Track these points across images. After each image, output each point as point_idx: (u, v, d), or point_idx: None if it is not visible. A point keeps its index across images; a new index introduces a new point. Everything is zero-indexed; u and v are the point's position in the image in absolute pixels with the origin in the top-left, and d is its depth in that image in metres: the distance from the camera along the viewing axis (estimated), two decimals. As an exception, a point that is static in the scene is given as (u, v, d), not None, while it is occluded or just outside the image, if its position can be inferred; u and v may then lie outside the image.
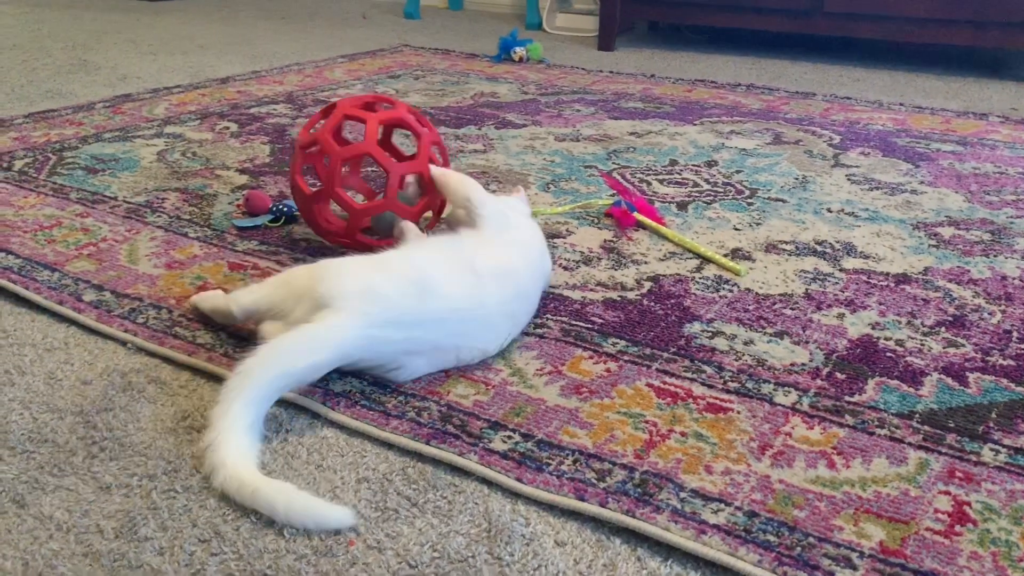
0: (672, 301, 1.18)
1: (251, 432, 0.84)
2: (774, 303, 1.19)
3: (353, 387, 0.96)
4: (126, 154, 1.77)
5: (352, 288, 0.92)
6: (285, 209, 1.41)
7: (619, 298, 1.19)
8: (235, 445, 0.81)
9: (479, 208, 1.12)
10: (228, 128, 1.98)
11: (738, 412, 0.94)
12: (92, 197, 1.53)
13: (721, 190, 1.64)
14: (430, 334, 0.96)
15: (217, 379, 0.98)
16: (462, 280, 0.98)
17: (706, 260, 1.32)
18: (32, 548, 0.74)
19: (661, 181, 1.69)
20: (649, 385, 0.98)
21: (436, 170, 1.19)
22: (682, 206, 1.55)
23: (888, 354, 1.06)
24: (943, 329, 1.12)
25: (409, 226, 1.15)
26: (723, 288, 1.23)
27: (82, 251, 1.30)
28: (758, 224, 1.47)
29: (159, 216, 1.45)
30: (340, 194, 1.19)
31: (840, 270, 1.29)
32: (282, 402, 0.93)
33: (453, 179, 1.17)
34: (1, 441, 0.88)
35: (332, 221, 1.25)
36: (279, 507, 0.76)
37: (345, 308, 0.90)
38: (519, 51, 2.84)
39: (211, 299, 1.08)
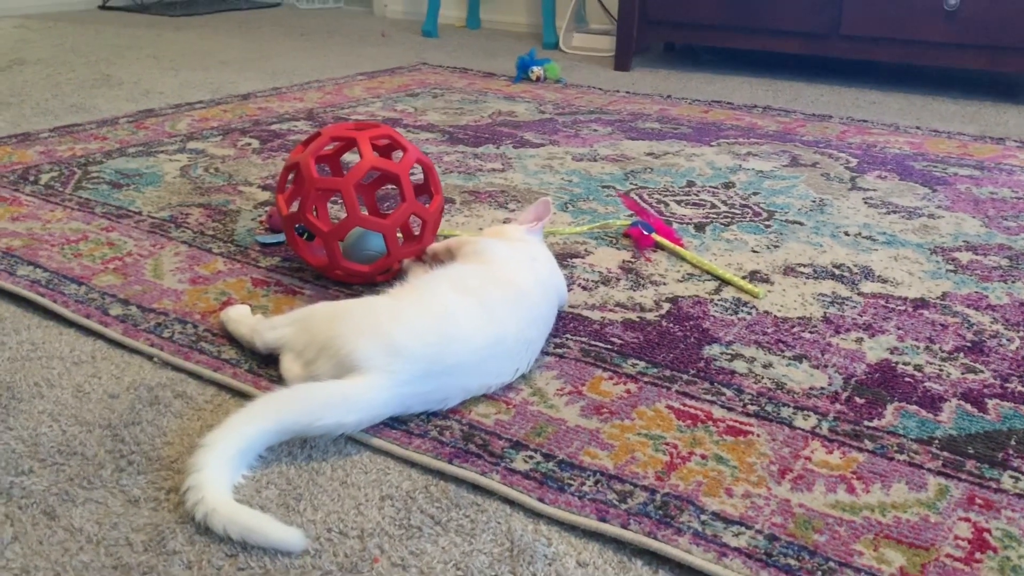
0: (691, 323, 1.19)
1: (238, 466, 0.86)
2: (793, 326, 1.19)
3: (376, 405, 0.97)
4: (150, 169, 1.80)
5: (375, 348, 0.92)
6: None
7: (638, 319, 1.20)
8: (220, 480, 0.82)
9: (475, 247, 1.15)
10: (250, 144, 2.01)
11: (758, 435, 0.94)
12: (117, 212, 1.55)
13: (738, 212, 1.65)
14: (457, 379, 0.97)
15: (242, 395, 1.00)
16: (478, 317, 0.99)
17: (724, 282, 1.33)
18: (63, 560, 0.75)
19: (679, 202, 1.70)
20: (669, 407, 0.99)
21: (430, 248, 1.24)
22: (700, 227, 1.56)
23: (907, 379, 1.07)
24: (962, 355, 1.13)
25: (412, 264, 1.21)
26: (741, 310, 1.24)
27: (108, 265, 1.32)
28: (776, 247, 1.48)
29: (183, 231, 1.47)
30: (310, 219, 1.20)
31: (858, 294, 1.30)
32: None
33: (443, 246, 1.21)
34: (31, 453, 0.89)
35: (313, 253, 1.27)
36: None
37: (371, 370, 0.91)
38: (536, 70, 2.86)
39: (236, 324, 1.09)
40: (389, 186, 1.46)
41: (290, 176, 1.26)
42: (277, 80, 2.78)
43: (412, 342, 0.94)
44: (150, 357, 1.08)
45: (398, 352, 0.92)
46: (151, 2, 4.60)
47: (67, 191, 1.65)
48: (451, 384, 0.96)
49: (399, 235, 1.26)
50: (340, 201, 1.42)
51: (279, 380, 0.99)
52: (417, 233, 1.28)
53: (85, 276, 1.28)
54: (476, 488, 0.86)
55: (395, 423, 0.94)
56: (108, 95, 2.51)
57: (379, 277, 1.25)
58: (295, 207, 1.24)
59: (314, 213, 1.22)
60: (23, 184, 1.68)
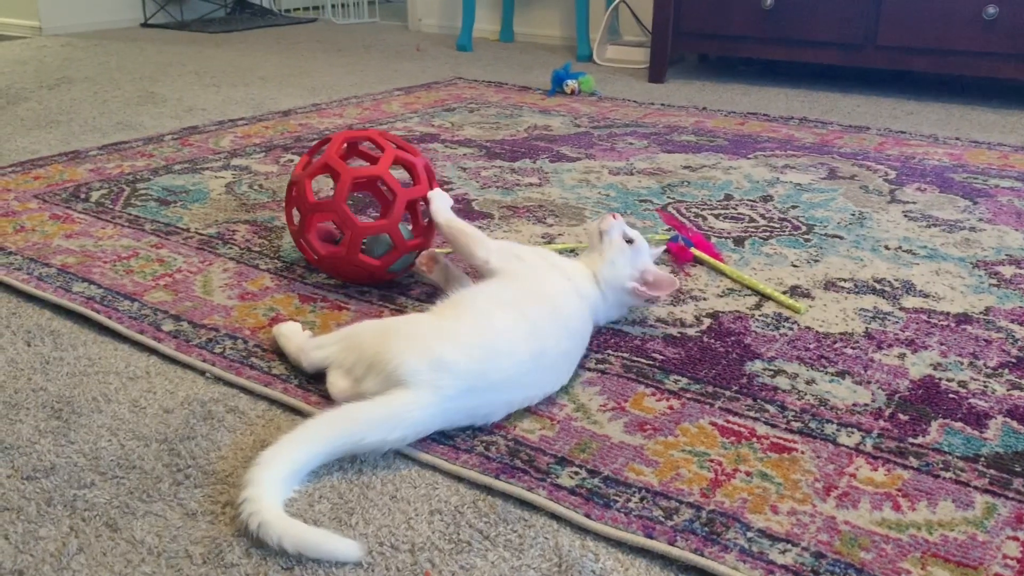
0: (732, 338, 1.20)
1: (288, 483, 0.87)
2: (835, 342, 1.19)
3: (423, 420, 0.99)
4: (196, 186, 1.84)
5: (422, 364, 0.94)
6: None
7: (679, 334, 1.21)
8: (273, 496, 0.84)
9: (491, 263, 1.17)
10: (292, 161, 2.05)
11: (802, 452, 0.95)
12: (165, 228, 1.59)
13: (777, 226, 1.65)
14: (502, 394, 0.98)
15: (292, 410, 1.02)
16: (522, 331, 1.01)
17: (765, 297, 1.33)
18: (126, 571, 0.78)
19: (717, 216, 1.71)
20: (712, 423, 1.00)
21: (439, 216, 1.25)
22: (739, 242, 1.57)
23: (951, 396, 1.06)
24: (1007, 371, 1.12)
25: (456, 272, 1.24)
26: (783, 326, 1.24)
27: (159, 282, 1.36)
28: (816, 261, 1.48)
29: (230, 248, 1.50)
30: (311, 241, 1.29)
31: (900, 309, 1.30)
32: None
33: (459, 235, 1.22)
34: (93, 466, 0.92)
35: (320, 248, 1.31)
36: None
37: (418, 385, 0.93)
38: (571, 84, 2.88)
39: (286, 340, 1.12)
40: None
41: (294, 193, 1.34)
42: (316, 96, 2.83)
43: (458, 357, 0.95)
44: (202, 372, 1.11)
45: (444, 368, 0.94)
46: (191, 19, 4.70)
47: (117, 208, 1.69)
48: (496, 399, 0.98)
49: (409, 227, 1.33)
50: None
51: (328, 395, 1.02)
52: (427, 222, 1.32)
53: (137, 292, 1.32)
54: (523, 503, 0.87)
55: (442, 438, 0.96)
56: (153, 112, 2.57)
57: (398, 273, 1.32)
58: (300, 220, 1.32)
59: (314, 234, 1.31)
60: (75, 202, 1.73)
